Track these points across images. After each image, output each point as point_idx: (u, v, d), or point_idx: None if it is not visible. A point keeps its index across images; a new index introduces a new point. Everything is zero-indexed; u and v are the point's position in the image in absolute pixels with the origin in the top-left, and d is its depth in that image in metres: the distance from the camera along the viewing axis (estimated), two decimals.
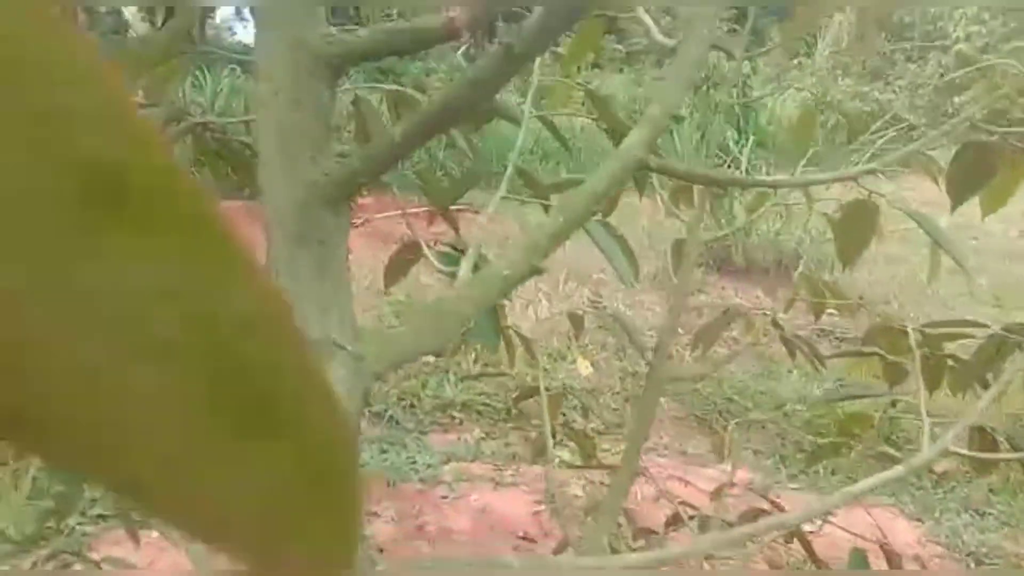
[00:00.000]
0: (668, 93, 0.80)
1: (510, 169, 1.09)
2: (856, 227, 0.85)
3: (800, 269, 1.41)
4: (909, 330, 1.14)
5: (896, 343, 1.20)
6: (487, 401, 4.20)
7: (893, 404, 1.17)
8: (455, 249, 1.21)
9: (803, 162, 1.42)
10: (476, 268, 0.98)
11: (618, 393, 4.43)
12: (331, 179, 0.58)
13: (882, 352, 1.22)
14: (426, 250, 1.13)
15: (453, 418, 4.04)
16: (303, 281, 0.60)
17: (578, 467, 1.60)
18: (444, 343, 0.67)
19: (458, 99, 0.52)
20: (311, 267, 0.60)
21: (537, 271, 0.72)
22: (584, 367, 4.36)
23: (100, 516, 2.85)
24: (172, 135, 0.95)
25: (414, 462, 3.44)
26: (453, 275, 1.03)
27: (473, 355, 4.57)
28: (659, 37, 0.94)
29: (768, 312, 1.34)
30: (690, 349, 1.49)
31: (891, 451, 1.47)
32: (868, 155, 1.37)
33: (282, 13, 0.56)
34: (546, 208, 1.28)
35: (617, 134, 1.20)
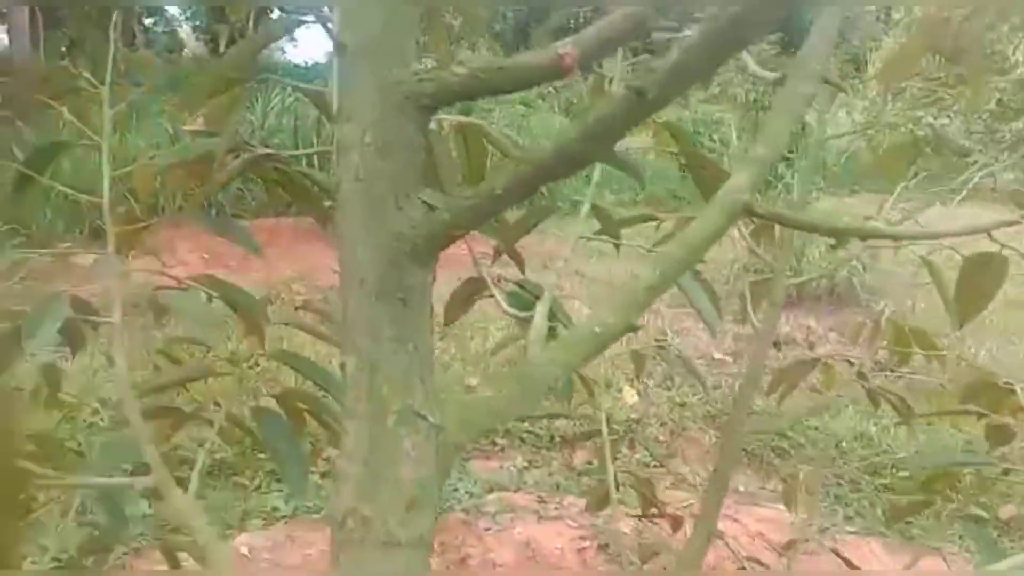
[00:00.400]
0: (775, 131, 0.73)
1: (587, 206, 1.02)
2: (980, 283, 0.76)
3: (886, 313, 1.31)
4: (1017, 389, 1.04)
5: (999, 400, 1.10)
6: (530, 428, 4.12)
7: (1005, 473, 1.07)
8: (522, 288, 1.14)
9: (890, 195, 1.33)
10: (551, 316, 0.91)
11: (665, 424, 4.31)
12: (418, 231, 0.52)
13: (983, 411, 1.12)
14: (493, 289, 1.07)
15: (495, 444, 3.96)
16: (383, 342, 0.53)
17: (639, 516, 1.51)
18: (531, 409, 0.60)
19: (575, 148, 0.45)
20: (392, 327, 0.54)
21: (632, 328, 0.65)
22: (630, 396, 4.25)
23: (141, 534, 2.83)
24: (236, 167, 0.91)
25: (456, 490, 3.36)
26: (526, 320, 0.96)
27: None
28: (756, 69, 0.87)
29: (854, 360, 1.24)
30: (767, 393, 1.40)
31: (982, 512, 1.36)
32: (962, 192, 1.27)
33: (371, 48, 0.50)
34: (617, 246, 1.21)
35: (696, 168, 1.12)
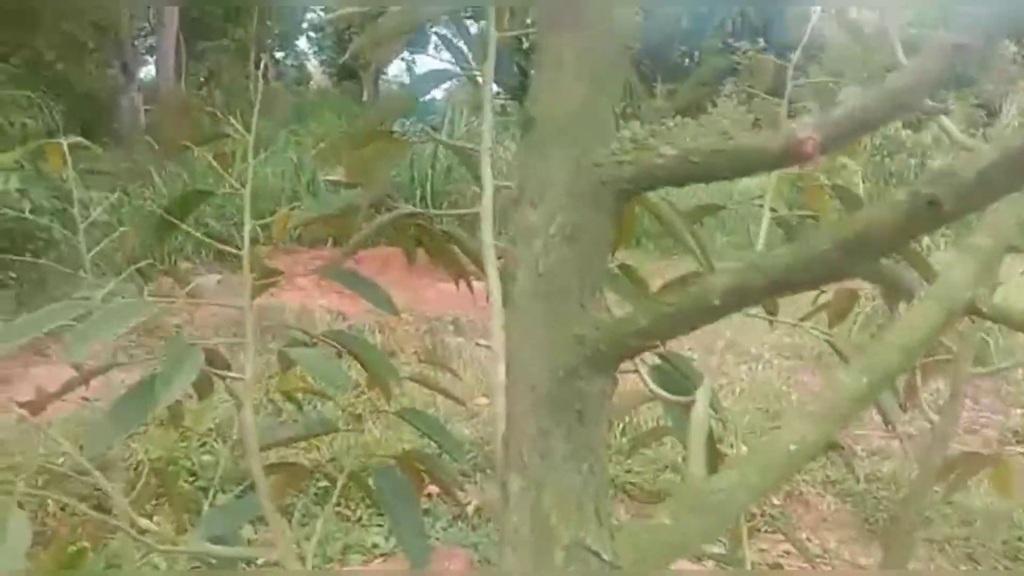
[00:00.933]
0: (1001, 219, 0.62)
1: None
2: None
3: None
4: None
5: None
6: (633, 480, 3.96)
7: None
8: (665, 360, 1.05)
9: None
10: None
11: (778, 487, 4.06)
12: (603, 335, 0.44)
13: None
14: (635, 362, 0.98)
15: None
16: (555, 463, 0.46)
17: None
18: (714, 538, 0.51)
19: (829, 259, 0.37)
20: (565, 443, 0.46)
21: (834, 446, 0.55)
22: (741, 450, 4.03)
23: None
24: (376, 226, 0.86)
25: None
26: (681, 405, 0.87)
27: (621, 426, 4.36)
28: (960, 136, 0.76)
29: None
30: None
31: None
32: None
33: (567, 124, 0.43)
34: (771, 323, 1.11)
35: None
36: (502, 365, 0.70)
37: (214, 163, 0.94)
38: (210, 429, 3.73)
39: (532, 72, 0.47)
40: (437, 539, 3.27)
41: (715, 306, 0.40)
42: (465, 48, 1.04)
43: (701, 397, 0.78)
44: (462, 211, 0.89)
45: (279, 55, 13.84)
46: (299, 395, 1.40)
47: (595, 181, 0.43)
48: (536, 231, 0.44)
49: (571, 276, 0.44)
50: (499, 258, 0.87)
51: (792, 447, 0.55)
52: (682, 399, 0.83)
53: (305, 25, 14.93)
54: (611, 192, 0.43)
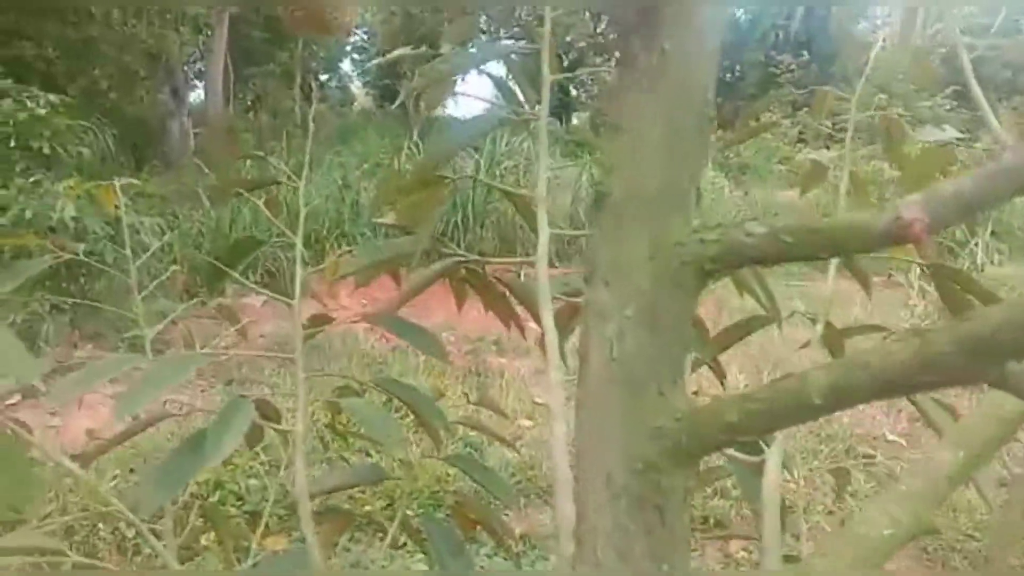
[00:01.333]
0: None
1: (820, 326, 0.88)
2: None
3: None
4: None
5: None
6: None
7: None
8: None
9: None
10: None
11: (832, 513, 3.93)
12: (685, 427, 0.40)
13: None
14: None
15: None
16: (633, 562, 0.42)
17: None
18: None
19: (946, 362, 0.33)
20: (644, 541, 0.42)
21: (932, 530, 0.50)
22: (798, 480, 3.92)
23: None
24: (431, 274, 0.84)
25: None
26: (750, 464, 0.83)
27: None
28: None
29: None
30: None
31: None
32: None
33: (645, 201, 0.40)
34: None
35: (943, 280, 0.96)
36: (559, 424, 0.66)
37: (265, 210, 0.93)
38: (256, 453, 3.76)
39: (604, 139, 0.44)
40: (482, 566, 3.24)
41: (816, 405, 0.37)
42: (508, 75, 1.02)
43: (773, 457, 0.74)
44: (516, 259, 0.87)
45: (323, 77, 14.07)
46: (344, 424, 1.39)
47: (676, 260, 0.39)
48: (610, 312, 0.41)
49: (649, 362, 0.41)
50: (553, 300, 0.84)
51: (887, 532, 0.51)
52: (752, 459, 0.78)
53: (349, 48, 15.17)
54: (693, 272, 0.40)
